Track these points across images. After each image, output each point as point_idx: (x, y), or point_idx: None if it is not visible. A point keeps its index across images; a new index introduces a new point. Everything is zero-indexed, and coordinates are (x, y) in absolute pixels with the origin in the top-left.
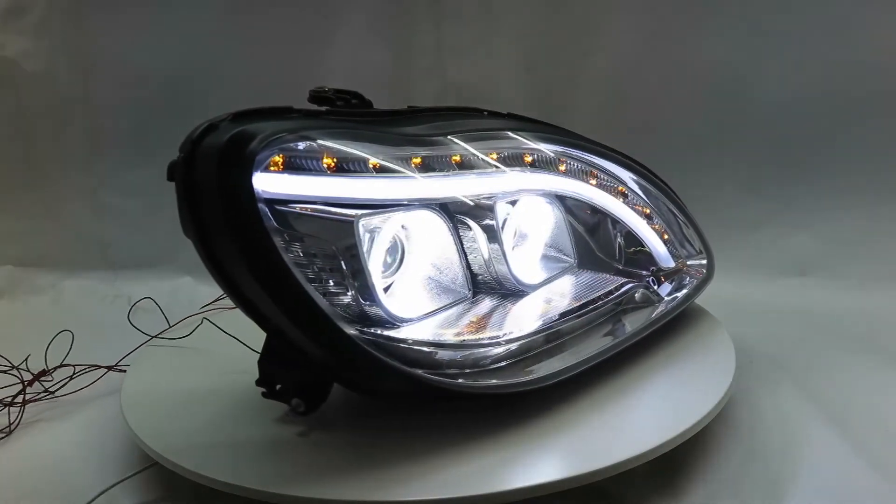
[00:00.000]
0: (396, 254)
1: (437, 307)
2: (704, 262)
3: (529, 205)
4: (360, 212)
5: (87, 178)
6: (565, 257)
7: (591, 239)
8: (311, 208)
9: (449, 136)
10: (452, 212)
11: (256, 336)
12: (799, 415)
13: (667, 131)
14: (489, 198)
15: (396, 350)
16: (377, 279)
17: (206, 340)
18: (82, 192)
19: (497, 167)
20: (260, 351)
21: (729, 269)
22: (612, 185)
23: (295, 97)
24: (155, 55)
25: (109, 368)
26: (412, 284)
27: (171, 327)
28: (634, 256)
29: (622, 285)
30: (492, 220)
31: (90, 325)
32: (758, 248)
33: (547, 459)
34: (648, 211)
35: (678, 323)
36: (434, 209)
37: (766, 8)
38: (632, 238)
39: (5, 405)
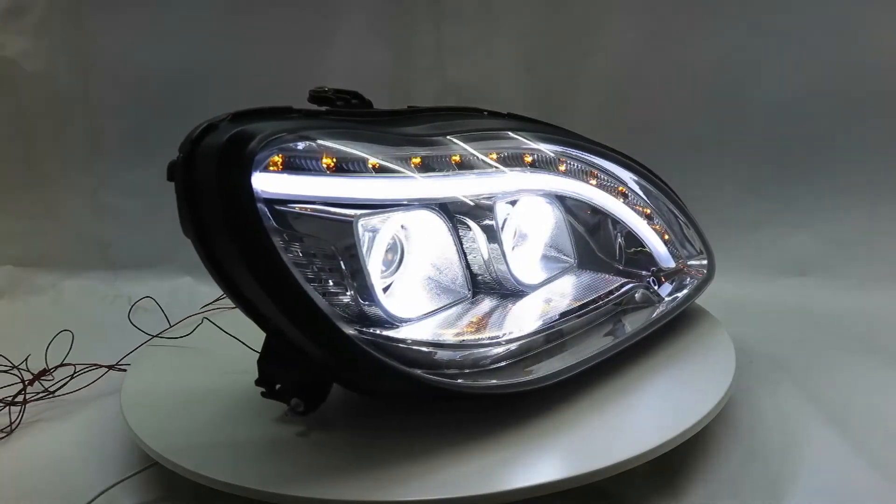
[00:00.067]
0: (396, 254)
1: (436, 307)
2: (705, 262)
3: (529, 205)
4: (359, 212)
5: (87, 178)
6: (565, 257)
7: (592, 239)
8: (310, 208)
9: (449, 137)
10: (452, 212)
11: (257, 336)
12: (799, 415)
13: (667, 131)
14: (489, 198)
15: (395, 350)
16: (376, 279)
17: (206, 340)
18: (82, 192)
19: (497, 167)
20: (260, 351)
21: (729, 269)
22: (612, 186)
23: (295, 97)
24: (155, 55)
25: (110, 368)
26: (411, 284)
27: (171, 327)
28: (635, 257)
29: (622, 285)
30: (491, 220)
31: (90, 325)
32: (758, 248)
33: (547, 459)
34: (649, 211)
35: (678, 323)
36: (434, 209)
37: (766, 8)
38: (632, 238)
39: (6, 404)
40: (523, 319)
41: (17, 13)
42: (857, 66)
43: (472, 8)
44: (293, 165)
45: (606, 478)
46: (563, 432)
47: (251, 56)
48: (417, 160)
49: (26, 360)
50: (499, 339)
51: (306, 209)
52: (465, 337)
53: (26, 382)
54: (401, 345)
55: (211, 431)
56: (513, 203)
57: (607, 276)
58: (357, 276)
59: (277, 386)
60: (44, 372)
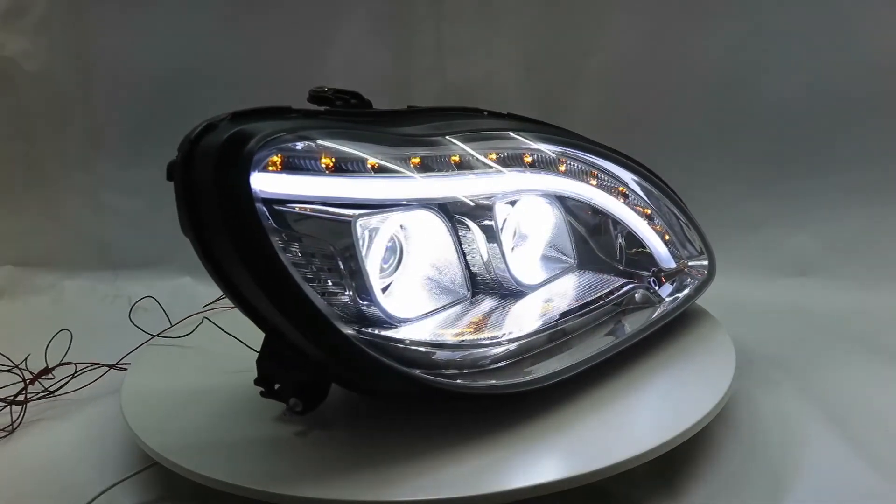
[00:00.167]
0: (395, 254)
1: (435, 307)
2: (706, 262)
3: (529, 205)
4: (358, 212)
5: (87, 178)
6: (565, 258)
7: (592, 239)
8: (309, 208)
9: (448, 137)
10: (451, 212)
11: (257, 335)
12: (799, 415)
13: (667, 131)
14: (488, 198)
15: (394, 350)
16: (375, 279)
17: (206, 340)
18: (82, 191)
19: (496, 167)
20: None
21: (729, 269)
22: (612, 186)
23: (295, 97)
24: (155, 55)
25: (111, 367)
26: (411, 285)
27: (171, 326)
28: (635, 257)
29: (622, 286)
30: (491, 220)
31: (90, 325)
32: (758, 248)
33: (547, 459)
34: (649, 211)
35: (678, 323)
36: (433, 209)
37: (766, 8)
38: (633, 239)
39: (7, 403)
40: (523, 319)
41: (17, 13)
42: (857, 66)
43: (472, 8)
44: (292, 165)
45: (606, 478)
46: (563, 432)
47: (251, 56)
48: (417, 160)
49: (26, 359)
50: (498, 340)
51: (305, 209)
52: (465, 337)
53: (27, 381)
54: (399, 345)
55: (211, 431)
56: (512, 203)
57: (607, 276)
58: (356, 276)
59: (276, 385)
60: (45, 371)
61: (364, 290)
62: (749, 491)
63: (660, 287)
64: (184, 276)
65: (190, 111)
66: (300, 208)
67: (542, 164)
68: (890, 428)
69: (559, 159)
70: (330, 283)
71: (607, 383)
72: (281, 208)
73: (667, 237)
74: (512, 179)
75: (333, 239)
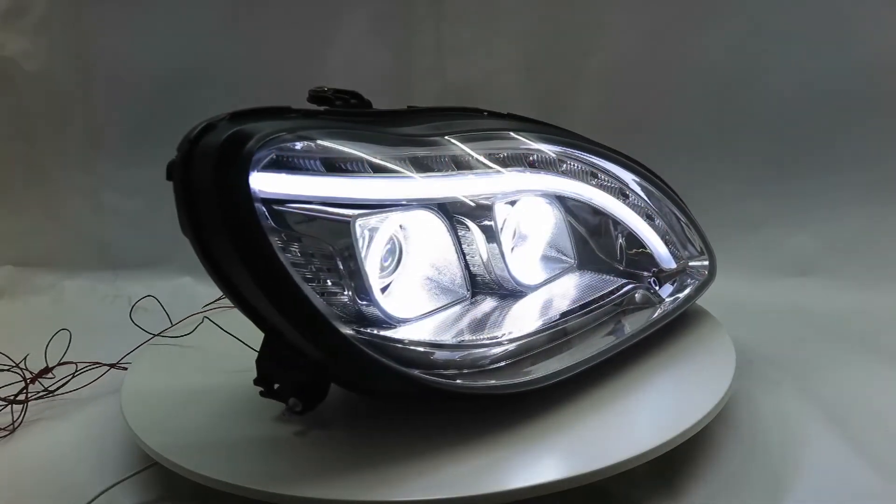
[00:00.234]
0: (394, 254)
1: (435, 307)
2: (706, 263)
3: (529, 205)
4: (357, 212)
5: (87, 178)
6: (565, 258)
7: (592, 240)
8: (308, 208)
9: (448, 137)
10: (451, 212)
11: (257, 335)
12: (799, 415)
13: (667, 131)
14: (488, 198)
15: (393, 350)
16: (374, 279)
17: (206, 339)
18: (82, 191)
19: (496, 168)
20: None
21: (729, 269)
22: (613, 186)
23: (295, 97)
24: (155, 55)
25: (111, 366)
26: (410, 285)
27: (172, 326)
28: (636, 257)
29: (623, 286)
30: (490, 220)
31: (90, 325)
32: (758, 248)
33: (547, 459)
34: (650, 212)
35: (678, 323)
36: (432, 209)
37: (766, 8)
38: (633, 239)
39: (8, 402)
40: (522, 320)
41: (17, 13)
42: (857, 66)
43: (472, 8)
44: (291, 165)
45: (606, 478)
46: (563, 432)
47: (251, 56)
48: (416, 160)
49: (25, 359)
50: (498, 340)
51: (304, 209)
52: (464, 337)
53: (28, 381)
54: (398, 345)
55: (211, 431)
56: (512, 203)
57: (608, 276)
58: (355, 276)
59: (276, 385)
60: (45, 370)
61: (363, 290)
62: (749, 491)
63: (660, 287)
64: (184, 276)
65: (190, 111)
66: (299, 208)
67: (542, 165)
68: (890, 428)
69: (559, 159)
70: (329, 283)
71: (607, 383)
72: (280, 208)
73: (667, 237)
74: (512, 179)
75: (333, 239)
